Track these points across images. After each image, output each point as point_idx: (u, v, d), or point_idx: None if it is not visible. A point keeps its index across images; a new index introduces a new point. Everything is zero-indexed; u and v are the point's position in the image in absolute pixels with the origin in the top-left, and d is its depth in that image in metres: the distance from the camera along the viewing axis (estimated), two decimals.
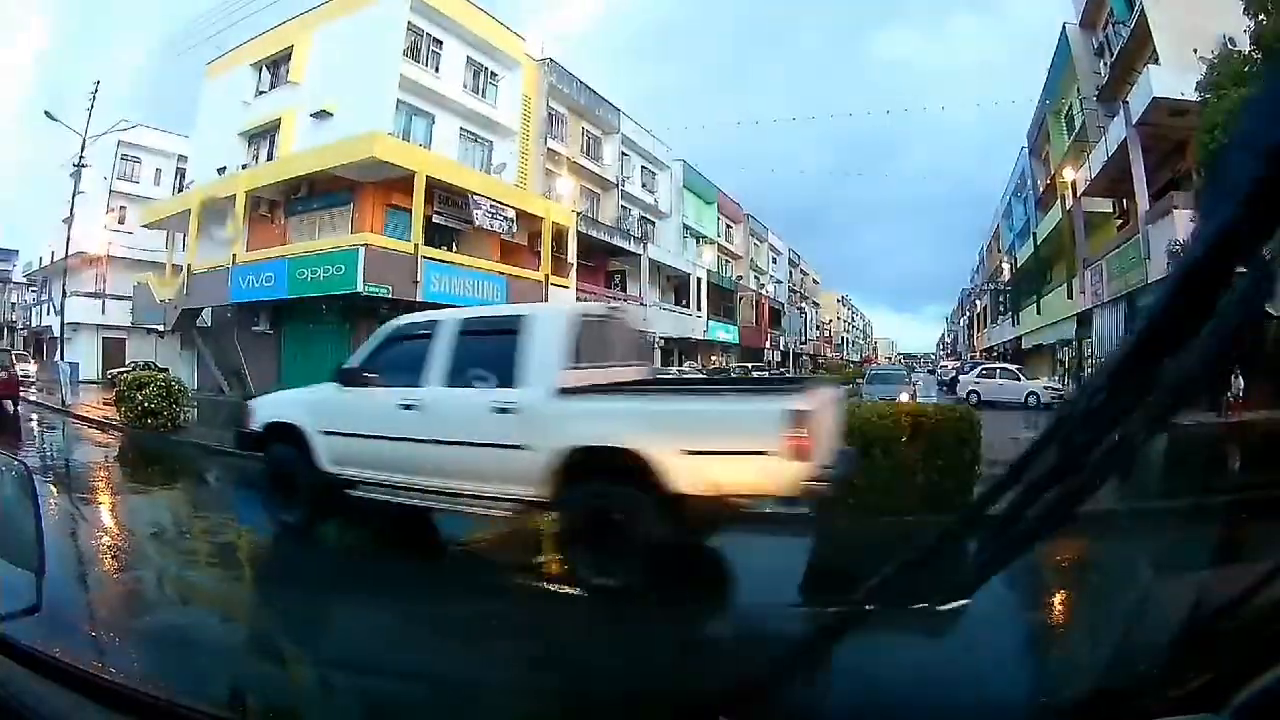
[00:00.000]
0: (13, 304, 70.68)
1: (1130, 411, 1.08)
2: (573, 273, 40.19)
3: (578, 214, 42.38)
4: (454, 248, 34.13)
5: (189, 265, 35.90)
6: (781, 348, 78.58)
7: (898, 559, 1.31)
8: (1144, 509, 9.25)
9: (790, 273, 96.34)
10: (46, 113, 35.82)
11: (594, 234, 43.37)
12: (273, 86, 37.00)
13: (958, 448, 9.91)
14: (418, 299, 29.27)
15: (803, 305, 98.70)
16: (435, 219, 33.12)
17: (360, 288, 28.27)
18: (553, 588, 7.44)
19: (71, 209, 38.03)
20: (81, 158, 38.14)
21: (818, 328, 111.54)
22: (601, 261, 46.56)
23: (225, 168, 36.29)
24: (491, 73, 39.20)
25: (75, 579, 5.26)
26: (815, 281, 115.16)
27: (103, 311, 51.32)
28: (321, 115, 33.24)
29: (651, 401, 7.88)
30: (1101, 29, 36.94)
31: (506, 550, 8.93)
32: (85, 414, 26.19)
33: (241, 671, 3.19)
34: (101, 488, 13.81)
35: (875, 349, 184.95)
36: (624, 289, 48.81)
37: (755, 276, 77.27)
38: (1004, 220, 68.48)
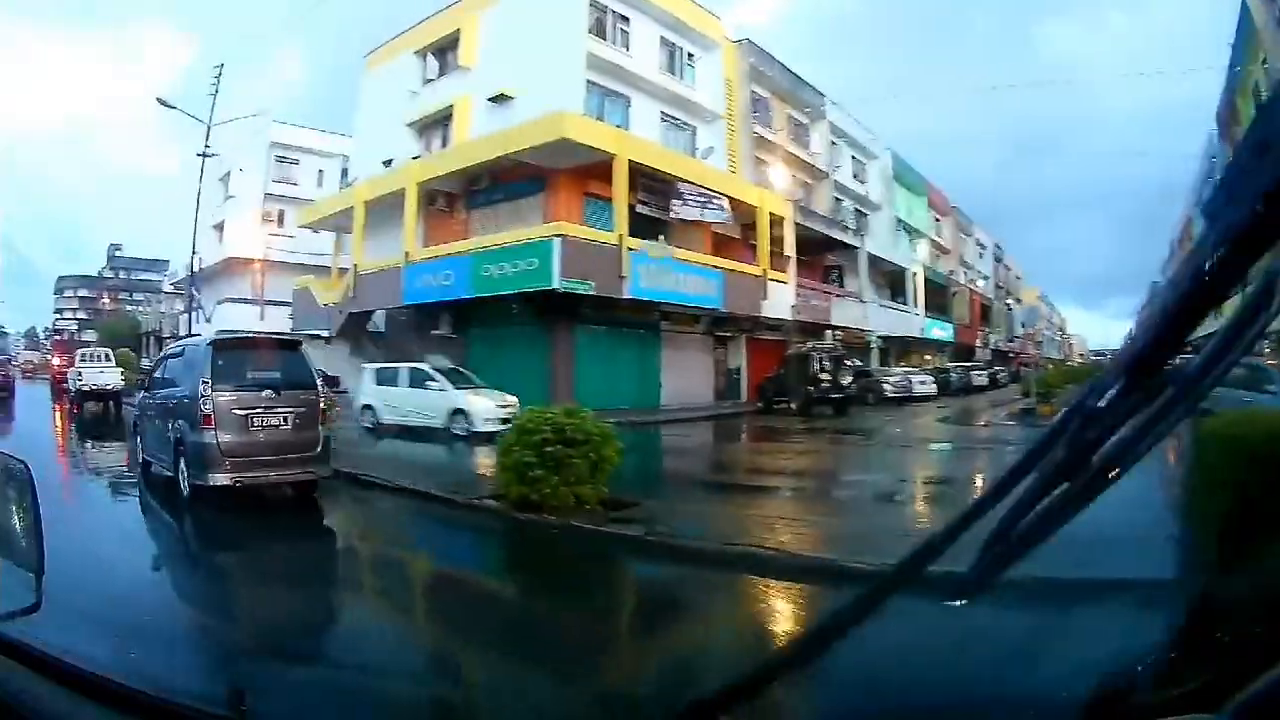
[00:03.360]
0: (162, 313, 68.57)
1: (1139, 409, 1.02)
2: (791, 267, 33.48)
3: (793, 204, 35.51)
4: (660, 240, 27.64)
5: (355, 266, 31.40)
6: (990, 345, 69.33)
7: (911, 552, 1.23)
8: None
9: (994, 267, 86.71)
10: (159, 100, 32.96)
11: (811, 225, 36.33)
12: (441, 74, 32.34)
13: None
14: (624, 295, 24.20)
15: (1008, 301, 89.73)
16: (639, 209, 27.16)
17: (556, 283, 22.89)
18: None
19: (196, 211, 34.37)
20: (207, 146, 34.17)
21: (1022, 324, 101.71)
22: (817, 255, 39.25)
23: (392, 160, 31.71)
24: (688, 53, 33.22)
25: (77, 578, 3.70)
26: (1017, 277, 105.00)
27: (261, 318, 43.84)
28: (500, 100, 28.20)
29: None
30: None
31: None
32: None
33: (242, 671, 2.79)
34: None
35: (1070, 346, 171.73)
36: (841, 284, 41.60)
37: (964, 271, 68.35)
38: (1196, 209, 57.63)
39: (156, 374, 12.68)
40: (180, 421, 10.40)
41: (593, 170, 25.81)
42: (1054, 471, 1.08)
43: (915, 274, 50.38)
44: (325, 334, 34.67)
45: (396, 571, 8.77)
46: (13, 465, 2.30)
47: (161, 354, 13.83)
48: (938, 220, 62.82)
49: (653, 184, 27.39)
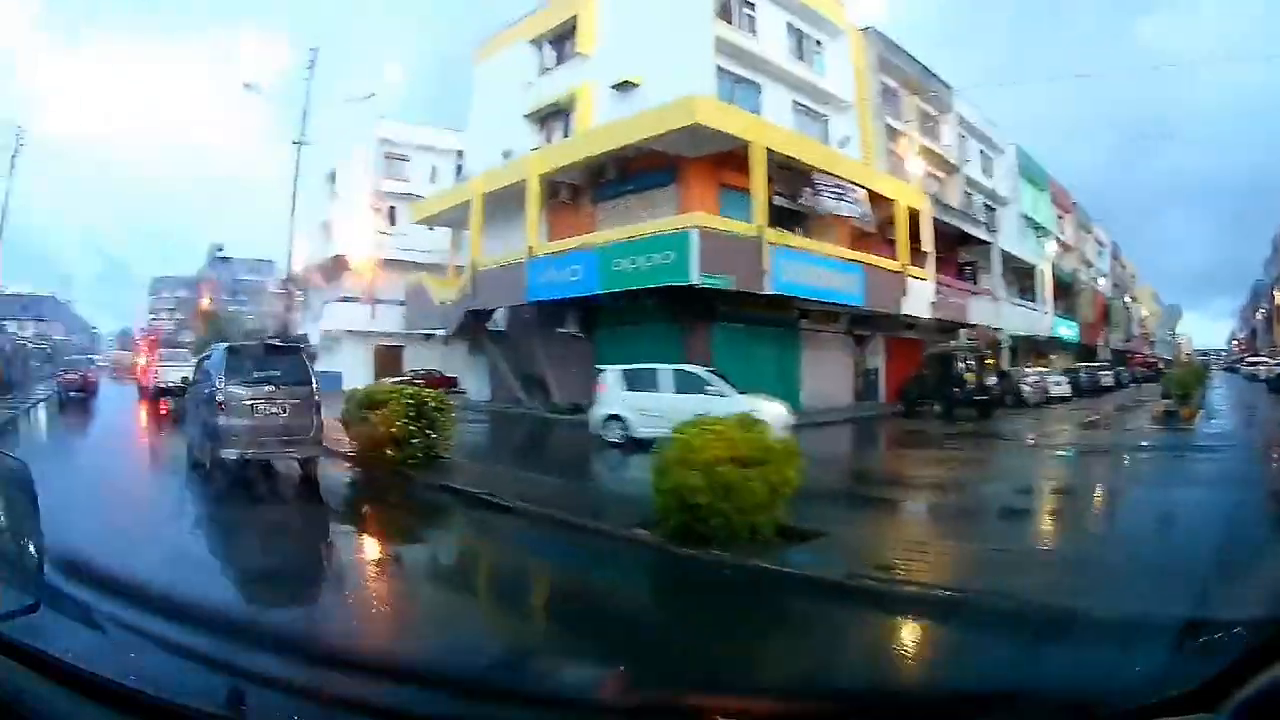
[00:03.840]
0: (267, 313, 67.88)
1: None
2: (930, 263, 31.29)
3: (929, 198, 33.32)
4: (796, 233, 25.96)
5: (472, 262, 29.77)
6: (1109, 345, 65.71)
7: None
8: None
9: (1110, 265, 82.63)
10: (246, 85, 32.88)
11: (946, 220, 34.10)
12: (559, 62, 30.76)
13: None
14: (765, 290, 22.45)
15: (1125, 300, 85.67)
16: (775, 201, 25.08)
17: (695, 278, 21.23)
18: None
19: (293, 202, 32.82)
20: (303, 132, 32.82)
21: (1140, 323, 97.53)
22: (950, 251, 36.75)
23: (510, 152, 30.32)
24: (815, 40, 31.23)
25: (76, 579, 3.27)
26: (1132, 275, 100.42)
27: (372, 316, 43.93)
28: (625, 87, 26.54)
29: None
30: None
31: None
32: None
33: (243, 672, 2.32)
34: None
35: (1179, 346, 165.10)
36: (975, 281, 39.22)
37: (1085, 269, 64.79)
38: None
39: (196, 373, 15.27)
40: (205, 409, 12.48)
41: (727, 159, 24.24)
42: None
43: (1043, 271, 47.64)
44: (441, 332, 33.86)
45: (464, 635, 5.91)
46: (13, 466, 2.40)
47: (199, 357, 16.41)
48: (1060, 217, 59.43)
49: (788, 175, 25.50)
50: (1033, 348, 46.29)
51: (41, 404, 30.81)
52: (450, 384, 34.67)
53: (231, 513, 10.70)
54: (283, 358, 13.40)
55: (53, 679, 1.84)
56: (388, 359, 43.35)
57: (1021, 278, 46.22)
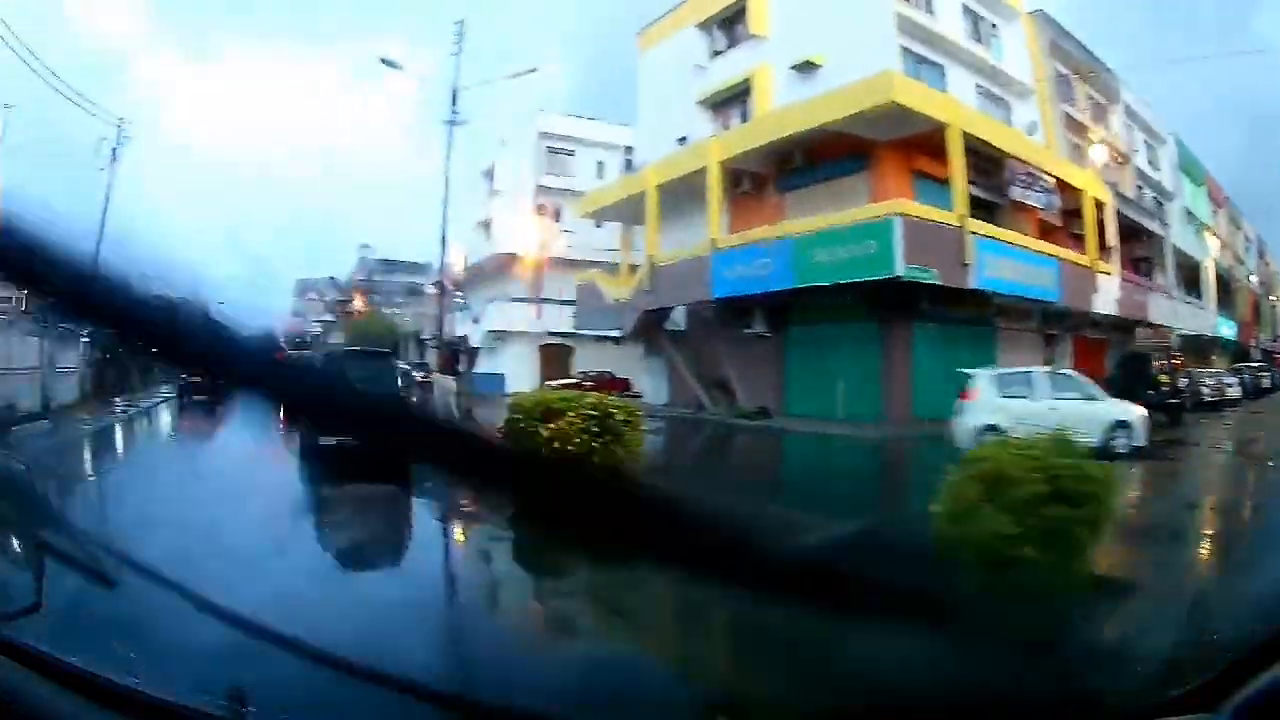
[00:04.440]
0: (423, 315, 65.01)
1: None
2: (1115, 257, 29.58)
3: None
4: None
5: (649, 257, 28.42)
6: (1259, 344, 62.01)
7: None
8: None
9: (1256, 263, 78.45)
10: (384, 60, 31.00)
11: (1127, 212, 32.24)
12: (731, 45, 29.44)
13: None
14: (967, 285, 21.12)
15: (1272, 298, 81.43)
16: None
17: (899, 270, 19.85)
18: None
19: (445, 189, 29.86)
20: (455, 111, 30.32)
21: None
22: (1125, 246, 34.65)
23: (686, 138, 29.18)
24: (991, 23, 29.63)
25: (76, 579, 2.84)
26: (1275, 272, 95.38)
27: (537, 317, 42.34)
28: (805, 68, 25.39)
29: None
30: None
31: None
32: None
33: (243, 672, 2.13)
34: None
35: None
36: (1149, 276, 36.95)
37: (1238, 266, 61.21)
38: None
39: None
40: None
41: (919, 144, 22.94)
42: None
43: (1208, 268, 45.15)
44: (616, 333, 32.69)
45: None
46: (13, 467, 2.59)
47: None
48: (1214, 211, 56.33)
49: (979, 162, 23.97)
50: (1195, 348, 43.91)
51: (160, 406, 29.95)
52: (624, 387, 33.43)
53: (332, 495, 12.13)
54: (374, 360, 15.82)
55: (53, 679, 1.81)
56: (554, 360, 41.93)
57: (1185, 275, 43.60)
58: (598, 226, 36.19)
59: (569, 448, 10.19)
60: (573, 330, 38.25)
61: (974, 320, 24.39)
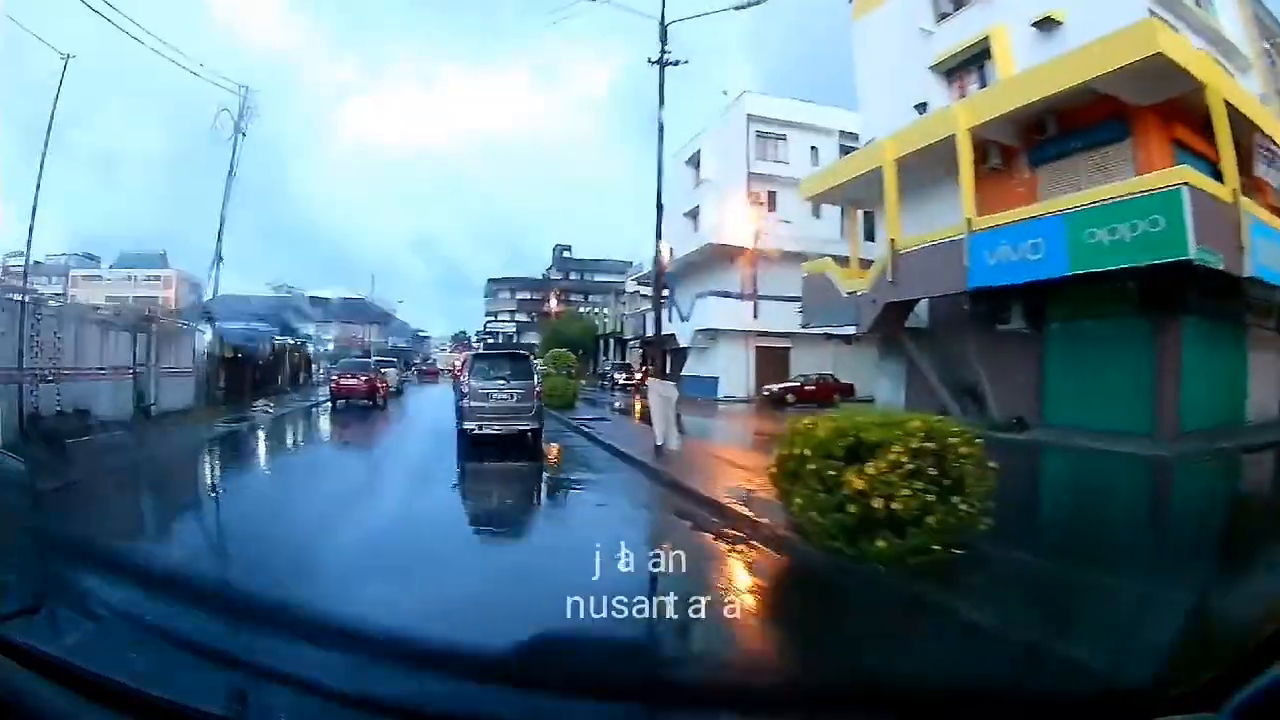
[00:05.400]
0: (623, 314, 65.00)
1: None
2: None
3: None
4: None
5: (892, 242, 23.85)
6: None
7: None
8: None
9: None
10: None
11: None
12: (959, 5, 26.06)
13: None
14: (1244, 273, 17.72)
15: None
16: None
17: (1192, 253, 16.10)
18: None
19: (659, 154, 21.40)
20: (665, 50, 23.09)
21: None
22: None
23: (925, 104, 26.09)
24: None
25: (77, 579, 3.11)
26: None
27: (755, 315, 38.52)
28: (1047, 24, 22.22)
29: None
30: None
31: None
32: (695, 486, 11.24)
33: (243, 672, 2.39)
34: None
35: None
36: None
37: None
38: None
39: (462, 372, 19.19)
40: (458, 395, 17.73)
41: (1175, 111, 19.58)
42: None
43: None
44: (851, 331, 28.57)
45: None
46: (12, 466, 2.43)
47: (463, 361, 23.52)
48: None
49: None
50: None
51: (315, 407, 29.84)
52: (848, 391, 31.60)
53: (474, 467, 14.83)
54: (514, 360, 17.83)
55: (53, 679, 1.86)
56: (771, 361, 38.16)
57: None
58: (815, 216, 33.97)
59: (893, 506, 6.44)
60: (794, 329, 33.89)
61: (1230, 316, 20.88)
